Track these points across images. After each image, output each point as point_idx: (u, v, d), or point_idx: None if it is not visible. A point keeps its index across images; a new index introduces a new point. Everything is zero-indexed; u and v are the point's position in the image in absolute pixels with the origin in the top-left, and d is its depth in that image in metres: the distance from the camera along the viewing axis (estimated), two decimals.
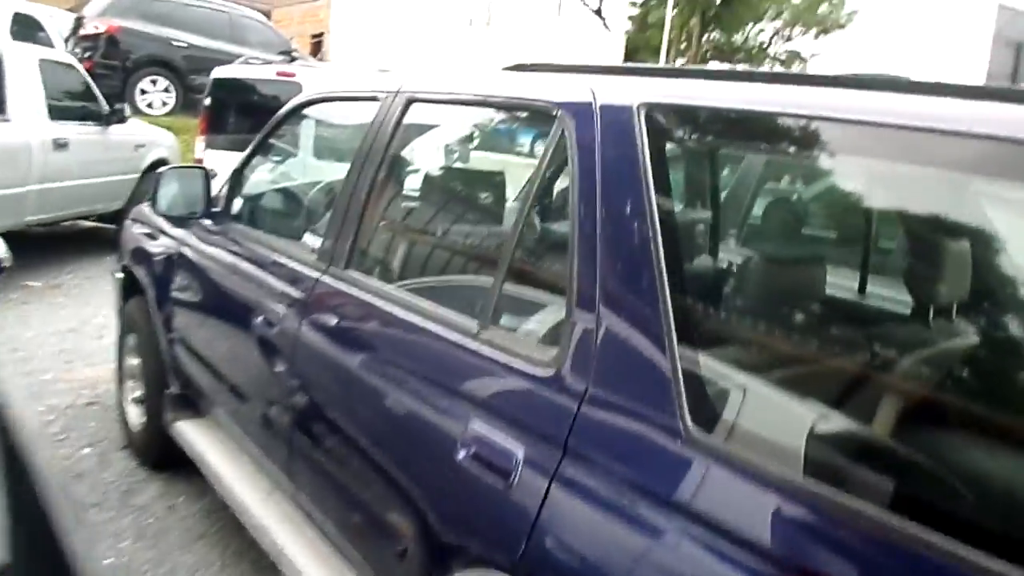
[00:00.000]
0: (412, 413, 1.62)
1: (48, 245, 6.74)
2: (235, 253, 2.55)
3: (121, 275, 3.47)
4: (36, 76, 5.77)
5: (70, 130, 6.01)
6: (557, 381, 1.35)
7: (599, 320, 1.31)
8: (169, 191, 2.66)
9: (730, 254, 1.72)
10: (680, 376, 1.19)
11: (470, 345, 1.54)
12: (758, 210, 1.54)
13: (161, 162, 7.22)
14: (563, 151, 1.49)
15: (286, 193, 2.92)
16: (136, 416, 3.36)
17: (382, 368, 1.75)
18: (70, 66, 6.60)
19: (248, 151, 2.72)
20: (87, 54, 10.20)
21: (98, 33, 10.38)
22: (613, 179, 1.34)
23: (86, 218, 7.05)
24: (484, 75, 1.89)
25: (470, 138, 2.76)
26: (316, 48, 21.96)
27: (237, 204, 2.76)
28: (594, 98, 1.44)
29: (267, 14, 16.01)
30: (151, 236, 3.20)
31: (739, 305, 1.45)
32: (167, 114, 10.56)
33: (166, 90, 10.83)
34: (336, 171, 2.68)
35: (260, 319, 2.21)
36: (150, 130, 7.64)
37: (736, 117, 1.27)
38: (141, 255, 3.27)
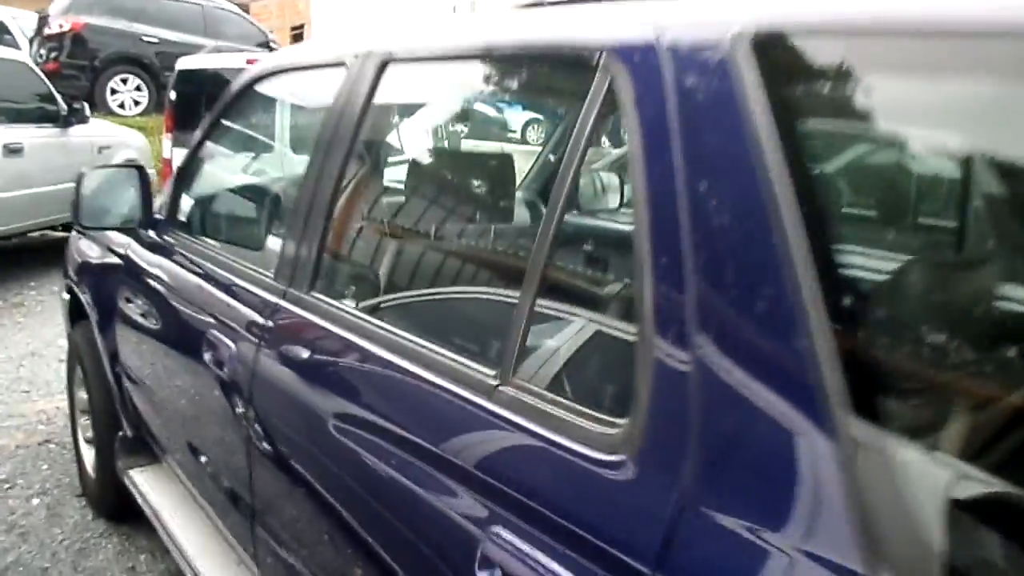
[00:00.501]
0: (405, 501, 1.13)
1: (11, 258, 6.29)
2: (183, 269, 2.06)
3: (67, 296, 2.99)
4: None
5: (24, 133, 5.61)
6: (632, 468, 0.85)
7: (696, 367, 0.82)
8: (94, 198, 2.14)
9: (924, 254, 1.13)
10: (855, 468, 0.69)
11: (485, 405, 1.03)
12: (961, 186, 0.98)
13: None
14: (610, 112, 1.00)
15: (243, 193, 2.41)
16: (91, 459, 2.90)
17: (359, 432, 1.24)
18: (23, 64, 6.16)
19: (193, 145, 2.22)
20: (52, 55, 9.76)
21: (63, 32, 9.86)
22: (705, 150, 0.84)
23: (52, 228, 6.57)
24: (486, 18, 1.36)
25: (469, 110, 2.22)
26: (296, 40, 21.39)
27: (185, 210, 2.25)
28: (660, 33, 0.94)
29: (244, 7, 15.43)
30: (92, 250, 2.71)
31: (949, 338, 0.88)
32: (140, 114, 10.09)
33: (138, 89, 10.33)
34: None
35: (210, 355, 1.73)
36: (116, 130, 7.19)
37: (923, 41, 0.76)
38: (83, 273, 2.78)
